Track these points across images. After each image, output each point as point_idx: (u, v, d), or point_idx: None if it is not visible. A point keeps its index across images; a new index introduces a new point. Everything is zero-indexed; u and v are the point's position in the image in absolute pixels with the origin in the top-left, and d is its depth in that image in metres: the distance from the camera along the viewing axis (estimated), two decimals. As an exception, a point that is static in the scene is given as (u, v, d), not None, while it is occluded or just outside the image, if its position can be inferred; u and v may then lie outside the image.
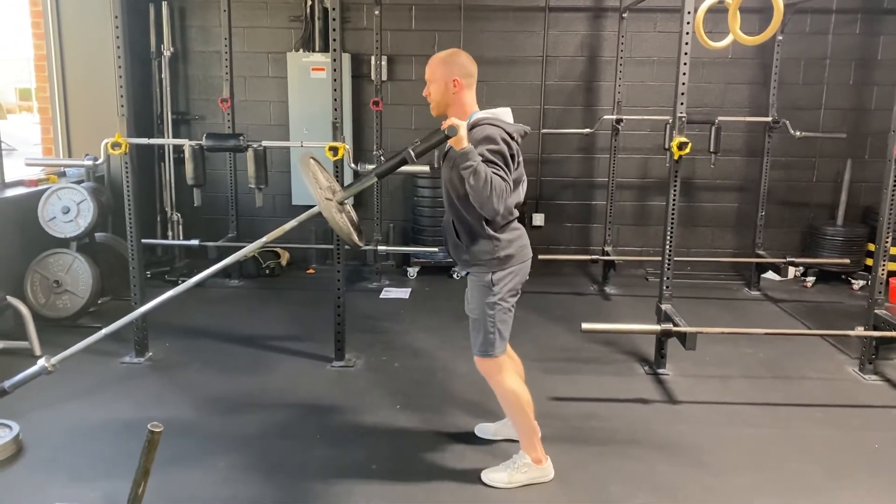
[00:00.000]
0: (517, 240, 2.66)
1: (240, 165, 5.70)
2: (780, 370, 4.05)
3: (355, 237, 2.63)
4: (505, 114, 2.63)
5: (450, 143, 2.45)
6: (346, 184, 2.82)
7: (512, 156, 2.52)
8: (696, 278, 5.99)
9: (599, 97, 6.11)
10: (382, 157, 5.66)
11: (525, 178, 2.71)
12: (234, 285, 5.71)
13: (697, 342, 3.60)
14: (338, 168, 3.80)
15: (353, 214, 2.84)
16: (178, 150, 5.99)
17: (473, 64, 2.65)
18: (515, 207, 2.66)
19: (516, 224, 2.67)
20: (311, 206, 2.70)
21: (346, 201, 2.71)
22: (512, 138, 2.54)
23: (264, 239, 2.79)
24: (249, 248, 2.91)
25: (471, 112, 2.63)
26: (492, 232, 2.59)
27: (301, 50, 6.00)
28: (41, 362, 2.68)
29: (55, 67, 5.45)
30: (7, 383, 2.73)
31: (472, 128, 2.55)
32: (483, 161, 2.42)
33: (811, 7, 5.72)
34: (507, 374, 2.75)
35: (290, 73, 5.96)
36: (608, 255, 5.75)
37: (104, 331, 2.73)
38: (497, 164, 2.45)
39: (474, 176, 2.38)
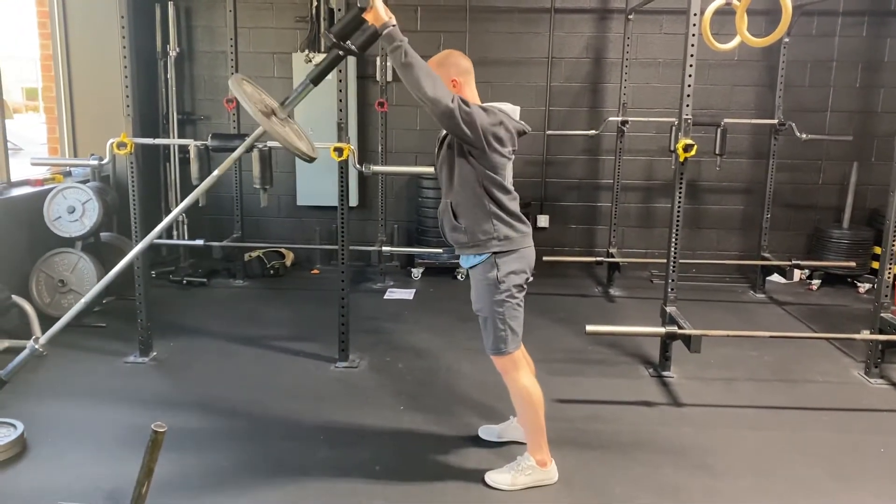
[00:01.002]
0: (517, 223, 2.65)
1: (245, 166, 5.69)
2: (785, 373, 4.04)
3: (302, 147, 2.54)
4: (512, 110, 2.64)
5: (367, 19, 2.40)
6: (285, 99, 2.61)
7: (498, 133, 2.52)
8: (701, 281, 5.97)
9: (605, 99, 6.10)
10: (385, 157, 5.58)
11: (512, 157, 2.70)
12: (239, 285, 5.71)
13: (702, 345, 3.59)
14: (342, 168, 3.80)
15: (300, 128, 2.75)
16: (184, 150, 5.98)
17: (467, 60, 2.67)
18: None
19: (515, 206, 2.66)
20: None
21: (288, 116, 2.62)
22: (507, 129, 2.57)
23: (215, 173, 2.61)
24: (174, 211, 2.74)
25: None
26: (492, 209, 2.59)
27: (306, 50, 6.01)
28: (30, 344, 2.68)
29: (61, 67, 5.46)
30: (3, 372, 2.73)
31: None
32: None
33: (818, 9, 5.71)
34: (523, 371, 2.74)
35: (296, 74, 5.96)
36: (613, 256, 5.73)
37: (83, 300, 2.70)
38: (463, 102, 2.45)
39: (404, 56, 2.35)
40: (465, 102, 2.45)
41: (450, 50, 2.73)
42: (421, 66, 2.38)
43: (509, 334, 2.66)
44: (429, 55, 2.46)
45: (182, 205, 2.69)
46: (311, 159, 2.54)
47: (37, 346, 2.67)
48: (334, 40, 2.39)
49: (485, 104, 2.62)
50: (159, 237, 5.96)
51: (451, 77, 2.60)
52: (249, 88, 2.50)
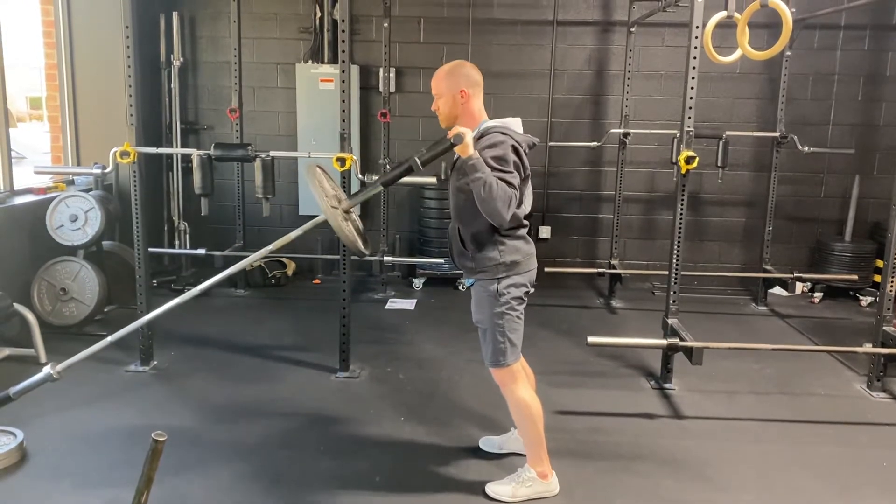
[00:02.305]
0: (523, 247, 2.65)
1: (247, 175, 5.72)
2: (787, 386, 4.02)
3: (360, 245, 2.66)
4: (515, 123, 2.63)
5: (456, 151, 2.47)
6: (352, 193, 2.89)
7: (519, 164, 2.52)
8: (703, 293, 5.96)
9: (607, 111, 6.12)
10: (388, 167, 5.72)
11: (531, 190, 2.71)
12: (240, 295, 5.71)
13: (704, 357, 3.58)
14: (345, 178, 3.81)
15: (359, 223, 2.85)
16: (187, 159, 6.02)
17: (478, 72, 2.66)
18: (524, 218, 2.66)
19: (522, 231, 2.66)
20: (318, 216, 2.74)
21: (351, 210, 2.71)
22: (520, 146, 2.54)
23: (270, 247, 2.84)
24: (254, 257, 2.95)
25: (480, 121, 2.64)
26: (498, 238, 2.59)
27: (310, 61, 6.03)
28: (47, 369, 2.71)
29: (66, 76, 5.49)
30: (12, 390, 2.75)
31: (481, 136, 2.55)
32: (490, 168, 2.43)
33: (819, 23, 5.73)
34: (521, 383, 2.73)
35: (299, 84, 5.99)
36: (615, 268, 5.73)
37: (109, 338, 2.76)
38: (503, 170, 2.45)
39: (484, 187, 2.39)
40: (510, 183, 2.45)
41: (462, 60, 2.73)
42: (501, 193, 2.41)
43: (508, 346, 2.65)
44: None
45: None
46: (365, 256, 2.79)
47: (52, 373, 2.72)
48: (421, 167, 2.53)
49: (493, 121, 2.61)
50: (160, 247, 6.01)
51: (461, 87, 2.59)
52: (322, 177, 2.68)
